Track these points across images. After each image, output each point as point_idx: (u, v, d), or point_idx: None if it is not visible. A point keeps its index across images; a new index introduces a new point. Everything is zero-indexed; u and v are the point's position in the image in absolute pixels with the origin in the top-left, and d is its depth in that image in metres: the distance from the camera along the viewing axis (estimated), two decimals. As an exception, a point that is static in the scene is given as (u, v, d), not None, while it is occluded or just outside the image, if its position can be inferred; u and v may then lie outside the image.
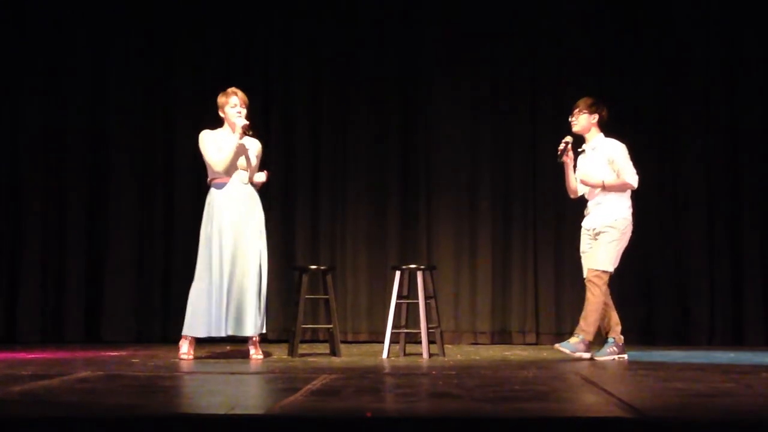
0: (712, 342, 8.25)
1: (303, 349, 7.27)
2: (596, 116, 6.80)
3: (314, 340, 8.11)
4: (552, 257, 8.51)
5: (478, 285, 8.54)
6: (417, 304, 6.96)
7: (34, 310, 8.45)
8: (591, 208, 6.81)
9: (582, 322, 6.67)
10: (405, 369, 6.16)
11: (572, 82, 8.53)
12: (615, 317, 6.78)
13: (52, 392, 4.76)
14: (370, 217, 8.65)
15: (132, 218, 8.59)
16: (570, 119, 6.86)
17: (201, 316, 6.57)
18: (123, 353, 7.20)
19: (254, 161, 6.77)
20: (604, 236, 6.68)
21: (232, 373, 5.75)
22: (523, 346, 8.25)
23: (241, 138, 6.67)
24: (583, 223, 6.85)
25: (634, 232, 8.37)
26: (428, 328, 6.95)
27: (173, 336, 8.47)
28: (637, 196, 8.46)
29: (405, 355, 7.14)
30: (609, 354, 6.70)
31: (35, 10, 8.55)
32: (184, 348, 6.69)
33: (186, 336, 6.70)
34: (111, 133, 8.61)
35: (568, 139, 6.81)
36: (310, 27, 8.68)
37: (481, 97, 8.62)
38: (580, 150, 6.88)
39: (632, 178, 6.71)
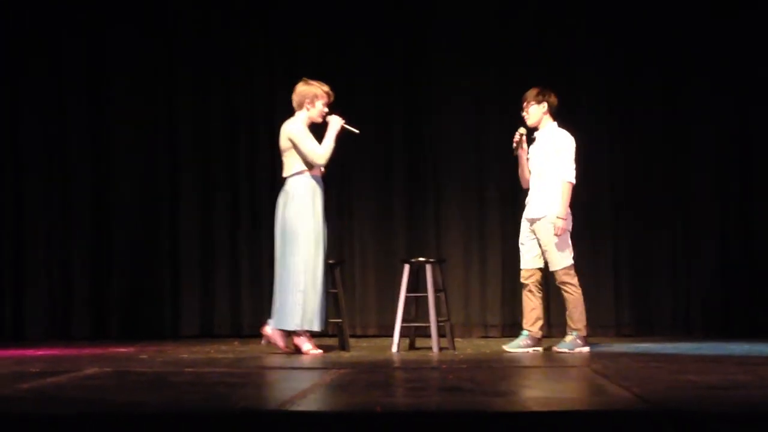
0: (726, 333, 8.18)
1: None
2: (545, 104, 6.82)
3: (323, 335, 8.07)
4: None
5: (487, 277, 8.50)
6: (426, 297, 6.92)
7: (42, 307, 8.45)
8: (529, 198, 6.84)
9: (569, 322, 6.71)
10: (415, 363, 6.14)
11: (580, 73, 8.49)
12: (540, 312, 6.79)
13: (59, 389, 4.74)
14: (378, 211, 8.61)
15: (138, 213, 8.57)
16: (522, 114, 6.87)
17: (317, 309, 6.58)
18: (131, 349, 7.19)
19: None
20: (548, 233, 6.66)
21: (242, 369, 5.72)
22: (533, 339, 8.20)
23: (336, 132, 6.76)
24: (524, 214, 6.86)
25: (647, 227, 8.39)
26: (438, 322, 6.92)
27: (181, 332, 8.49)
28: (647, 187, 8.47)
29: (415, 349, 7.11)
30: (521, 347, 6.74)
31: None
32: (307, 344, 6.66)
33: (303, 332, 6.66)
34: (113, 126, 8.59)
35: (522, 131, 6.84)
36: (315, 18, 8.64)
37: (488, 88, 8.57)
38: (532, 137, 6.88)
39: (570, 174, 6.71)
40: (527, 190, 6.96)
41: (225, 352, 7.00)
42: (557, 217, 6.65)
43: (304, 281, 6.59)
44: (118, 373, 5.45)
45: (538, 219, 6.73)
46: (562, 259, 6.69)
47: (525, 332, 6.79)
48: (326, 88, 6.81)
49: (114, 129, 8.61)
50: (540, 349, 6.77)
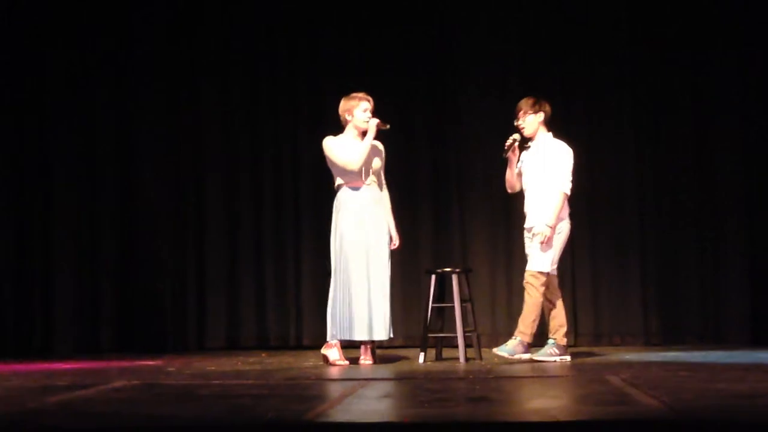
0: (756, 342, 8.10)
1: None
2: (541, 114, 6.82)
3: (350, 346, 8.07)
4: (588, 257, 8.42)
5: (514, 287, 8.44)
6: (453, 307, 6.91)
7: (70, 320, 8.48)
8: (527, 209, 6.83)
9: (520, 324, 6.68)
10: (441, 374, 6.12)
11: (607, 79, 8.45)
12: (561, 318, 6.77)
13: (88, 402, 4.77)
14: (403, 221, 8.53)
15: (164, 226, 8.60)
16: (516, 123, 6.86)
17: (341, 320, 6.61)
18: (158, 362, 7.21)
19: (379, 162, 6.86)
20: (539, 238, 6.66)
21: (269, 381, 5.73)
22: (560, 348, 8.17)
23: (373, 137, 6.74)
24: (524, 225, 6.86)
25: (675, 235, 8.34)
26: (464, 332, 6.90)
27: (208, 344, 8.51)
28: (675, 195, 8.42)
29: (441, 359, 7.09)
30: (549, 355, 6.69)
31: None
32: (334, 354, 6.68)
33: (331, 342, 6.69)
34: (139, 135, 8.63)
35: (516, 136, 6.83)
36: (338, 30, 8.66)
37: (512, 97, 8.54)
38: (526, 145, 6.88)
39: (565, 185, 6.70)
40: (511, 194, 7.00)
41: (252, 364, 7.01)
42: (546, 225, 6.64)
43: (333, 292, 6.66)
44: (145, 386, 5.47)
45: (536, 227, 6.70)
46: (540, 263, 6.66)
47: (551, 340, 6.76)
48: (360, 94, 6.81)
49: (139, 139, 8.63)
50: (567, 357, 6.73)
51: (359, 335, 6.64)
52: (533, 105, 6.82)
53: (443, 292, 7.07)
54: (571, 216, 6.84)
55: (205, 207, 8.64)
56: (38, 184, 8.60)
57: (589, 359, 6.98)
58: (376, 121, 6.74)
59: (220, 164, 8.67)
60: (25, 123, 8.62)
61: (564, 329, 6.77)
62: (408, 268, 8.51)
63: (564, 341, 6.76)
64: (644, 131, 8.46)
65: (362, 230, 6.72)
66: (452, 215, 8.59)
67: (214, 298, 8.57)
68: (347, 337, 6.66)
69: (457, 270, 7.04)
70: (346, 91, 6.91)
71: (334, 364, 6.62)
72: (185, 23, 8.71)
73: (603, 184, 8.40)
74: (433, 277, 7.03)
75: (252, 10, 8.70)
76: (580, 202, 8.43)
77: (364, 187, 6.78)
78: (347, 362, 6.66)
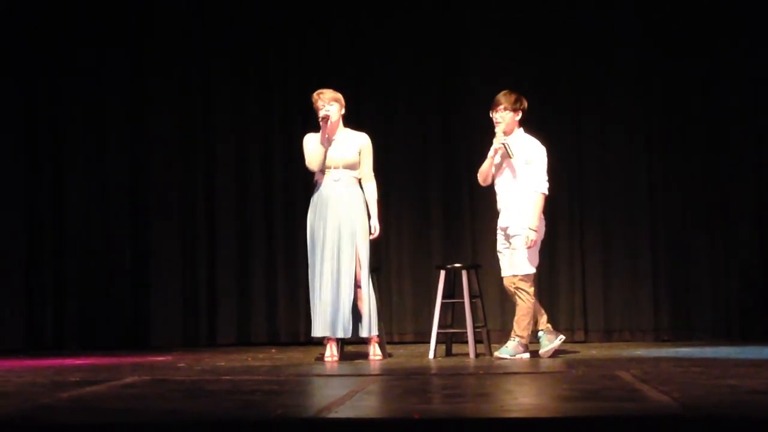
0: (766, 338, 8.08)
1: (350, 350, 7.24)
2: (520, 113, 6.79)
3: (360, 342, 8.08)
4: (599, 254, 8.41)
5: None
6: (462, 303, 6.91)
7: (81, 316, 8.50)
8: (501, 207, 6.81)
9: (516, 326, 6.69)
10: (452, 369, 6.13)
11: (615, 75, 8.43)
12: (538, 307, 6.77)
13: (99, 398, 4.78)
14: (414, 218, 8.61)
15: (176, 222, 8.62)
16: (492, 115, 6.80)
17: (317, 315, 6.62)
18: (168, 358, 7.23)
19: (352, 156, 6.72)
20: (518, 240, 6.67)
21: (279, 377, 5.73)
22: (571, 344, 8.15)
23: (325, 132, 6.67)
24: (498, 223, 6.84)
25: (686, 231, 8.32)
26: (474, 328, 6.91)
27: (218, 340, 8.52)
28: (686, 192, 8.40)
29: (451, 355, 7.09)
30: (548, 344, 6.71)
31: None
32: (327, 351, 6.71)
33: (325, 339, 6.72)
34: (151, 135, 8.65)
35: (503, 141, 6.73)
36: (350, 26, 8.66)
37: (523, 95, 8.53)
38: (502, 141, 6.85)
39: (543, 185, 6.69)
40: (485, 187, 6.96)
41: (262, 360, 7.02)
42: (530, 229, 6.62)
43: (310, 289, 6.70)
44: (156, 381, 5.48)
45: (512, 228, 6.69)
46: (525, 266, 6.67)
47: (540, 333, 6.77)
48: (315, 92, 6.77)
49: (150, 141, 8.65)
50: (563, 337, 6.80)
51: (316, 331, 6.63)
52: (514, 103, 6.76)
53: (453, 287, 7.07)
54: (544, 215, 6.80)
55: (215, 204, 8.65)
56: (50, 179, 8.62)
57: (599, 355, 6.97)
58: (321, 114, 6.70)
59: (230, 162, 8.68)
60: (38, 121, 8.65)
61: (545, 317, 6.79)
62: (418, 265, 8.52)
63: (549, 326, 6.77)
64: (655, 129, 8.43)
65: (321, 225, 6.67)
66: (462, 211, 8.58)
67: (224, 294, 8.58)
68: (312, 334, 6.69)
69: (467, 266, 7.04)
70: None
71: (324, 361, 6.66)
72: (194, 19, 8.73)
73: (614, 181, 8.38)
74: (443, 273, 7.03)
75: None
76: (593, 201, 8.45)
77: (327, 182, 6.72)
78: (333, 358, 6.64)
